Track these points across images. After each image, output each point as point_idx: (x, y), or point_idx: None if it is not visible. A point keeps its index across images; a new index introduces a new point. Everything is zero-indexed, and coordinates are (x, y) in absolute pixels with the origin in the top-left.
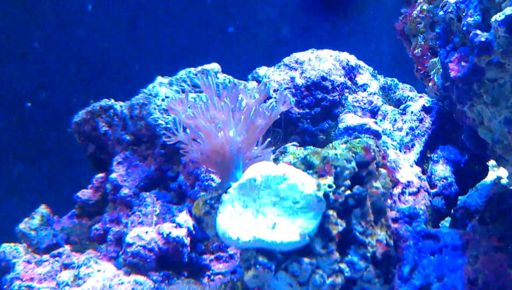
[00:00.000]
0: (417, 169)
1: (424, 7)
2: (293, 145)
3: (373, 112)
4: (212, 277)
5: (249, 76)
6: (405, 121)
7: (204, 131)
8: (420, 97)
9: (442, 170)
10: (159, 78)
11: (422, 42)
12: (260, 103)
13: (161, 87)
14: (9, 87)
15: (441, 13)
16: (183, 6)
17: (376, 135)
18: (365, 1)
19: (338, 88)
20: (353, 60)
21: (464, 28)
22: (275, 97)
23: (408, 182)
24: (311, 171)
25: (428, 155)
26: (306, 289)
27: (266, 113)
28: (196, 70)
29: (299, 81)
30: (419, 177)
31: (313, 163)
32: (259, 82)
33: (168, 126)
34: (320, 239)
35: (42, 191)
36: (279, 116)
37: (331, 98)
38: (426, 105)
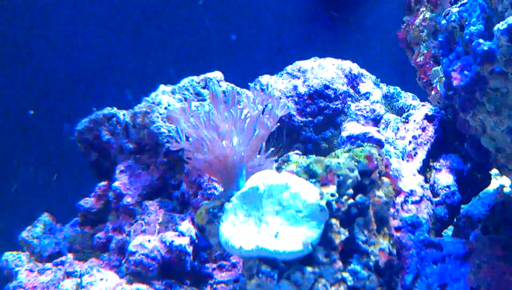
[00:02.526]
0: (420, 178)
1: (427, 15)
2: (296, 153)
3: (376, 121)
4: (214, 285)
5: (252, 85)
6: (407, 130)
7: (207, 141)
8: (423, 105)
9: (445, 178)
10: (162, 87)
11: (425, 51)
12: (261, 112)
13: (164, 96)
14: (12, 94)
15: (443, 21)
16: (186, 14)
17: (379, 143)
18: (368, 9)
19: (340, 97)
20: (355, 68)
21: (466, 37)
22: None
23: (411, 191)
24: (314, 180)
25: (431, 164)
26: None
27: (269, 125)
28: (199, 78)
29: (302, 89)
30: (421, 186)
31: (316, 172)
32: (262, 90)
33: (171, 134)
34: (323, 248)
35: (45, 199)
36: (279, 124)
37: (333, 106)
38: (429, 113)
